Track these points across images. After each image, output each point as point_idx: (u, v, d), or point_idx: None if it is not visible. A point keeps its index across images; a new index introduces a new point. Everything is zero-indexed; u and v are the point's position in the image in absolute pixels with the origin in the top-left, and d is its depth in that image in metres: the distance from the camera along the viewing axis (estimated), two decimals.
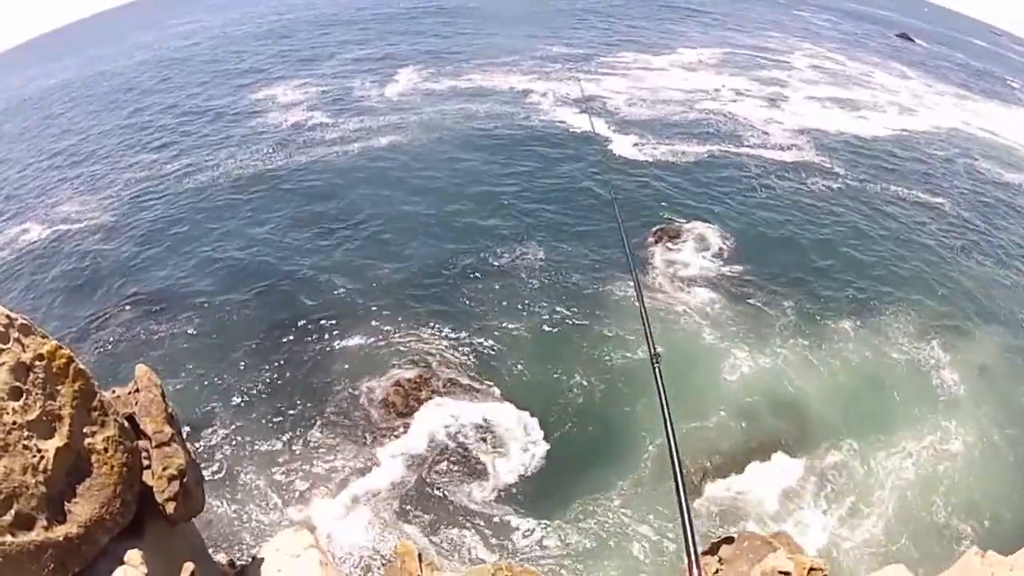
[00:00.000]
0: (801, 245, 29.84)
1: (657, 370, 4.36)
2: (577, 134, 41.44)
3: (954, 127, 48.12)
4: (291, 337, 24.15)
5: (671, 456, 3.80)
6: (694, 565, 3.33)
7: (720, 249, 28.91)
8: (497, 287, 26.50)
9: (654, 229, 29.89)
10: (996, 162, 42.53)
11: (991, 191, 37.84)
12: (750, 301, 25.84)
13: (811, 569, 8.27)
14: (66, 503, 6.91)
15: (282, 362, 23.13)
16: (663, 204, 32.71)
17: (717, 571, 9.94)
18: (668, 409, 4.07)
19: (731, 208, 32.35)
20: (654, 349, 4.72)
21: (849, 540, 17.93)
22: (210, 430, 20.74)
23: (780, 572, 7.80)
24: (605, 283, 26.36)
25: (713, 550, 10.72)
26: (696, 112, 46.73)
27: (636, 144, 40.04)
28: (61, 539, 6.65)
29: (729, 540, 10.52)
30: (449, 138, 40.41)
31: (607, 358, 22.98)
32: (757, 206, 33.02)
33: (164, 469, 8.03)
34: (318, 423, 20.97)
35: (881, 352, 24.04)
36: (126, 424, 7.89)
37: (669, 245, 28.83)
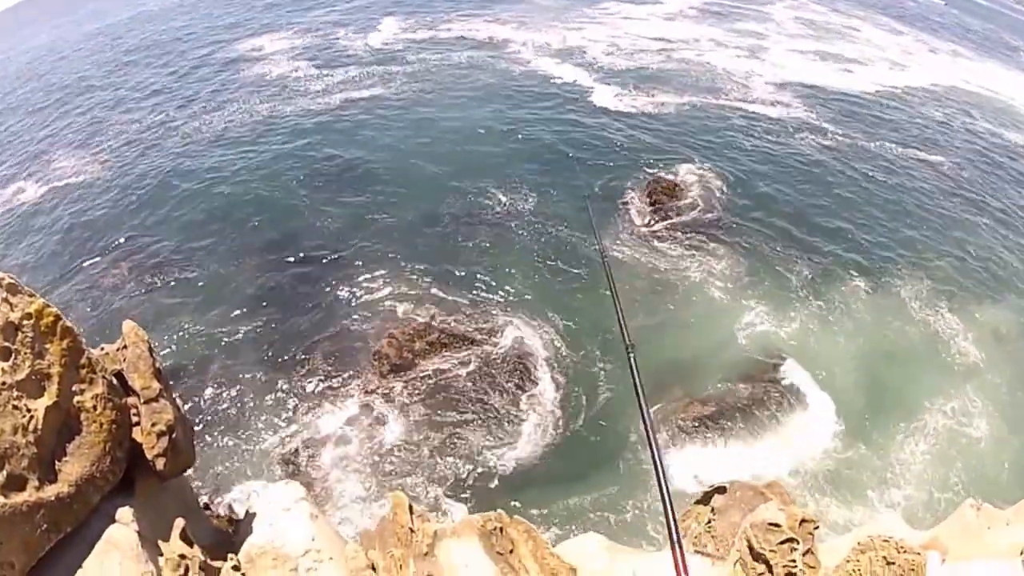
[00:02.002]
0: (799, 201, 29.78)
1: (633, 360, 4.33)
2: (558, 84, 41.00)
3: (952, 85, 47.13)
4: (281, 289, 24.07)
5: (649, 443, 3.75)
6: (677, 546, 3.30)
7: (713, 204, 28.77)
8: (486, 236, 26.46)
9: (647, 182, 29.67)
10: (998, 123, 41.84)
11: (993, 153, 37.31)
12: (752, 257, 25.88)
13: (803, 521, 8.31)
14: (57, 462, 6.85)
15: (273, 314, 23.08)
16: (647, 156, 32.49)
17: (710, 521, 10.06)
18: (644, 396, 4.03)
19: (719, 162, 32.20)
20: (628, 340, 4.69)
21: (863, 503, 18.24)
22: (201, 383, 20.74)
23: (770, 524, 7.86)
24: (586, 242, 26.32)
25: (706, 499, 10.82)
26: (676, 63, 46.24)
27: (618, 95, 39.67)
28: (53, 499, 6.60)
29: (722, 490, 10.59)
30: (432, 88, 39.92)
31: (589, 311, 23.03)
32: (748, 159, 32.86)
33: (153, 425, 7.98)
34: (310, 376, 21.00)
35: (892, 315, 24.19)
36: (114, 381, 7.81)
37: (662, 198, 28.64)
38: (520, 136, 33.83)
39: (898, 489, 18.71)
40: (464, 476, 18.12)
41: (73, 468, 7.00)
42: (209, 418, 19.68)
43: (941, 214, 29.85)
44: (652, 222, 27.33)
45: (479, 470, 18.22)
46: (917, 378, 21.85)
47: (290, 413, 19.94)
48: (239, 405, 20.16)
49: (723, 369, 21.53)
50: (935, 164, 34.39)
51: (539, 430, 19.34)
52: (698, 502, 11.08)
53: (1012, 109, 44.38)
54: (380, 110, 36.87)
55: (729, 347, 22.31)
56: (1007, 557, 8.35)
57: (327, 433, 19.33)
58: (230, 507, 15.69)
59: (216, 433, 19.22)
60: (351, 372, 21.09)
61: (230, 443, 19.01)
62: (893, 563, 7.90)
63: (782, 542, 7.75)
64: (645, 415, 3.90)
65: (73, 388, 7.16)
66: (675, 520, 3.29)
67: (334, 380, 20.92)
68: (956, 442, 20.11)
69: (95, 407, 7.34)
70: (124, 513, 7.53)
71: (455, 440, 19.07)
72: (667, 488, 3.39)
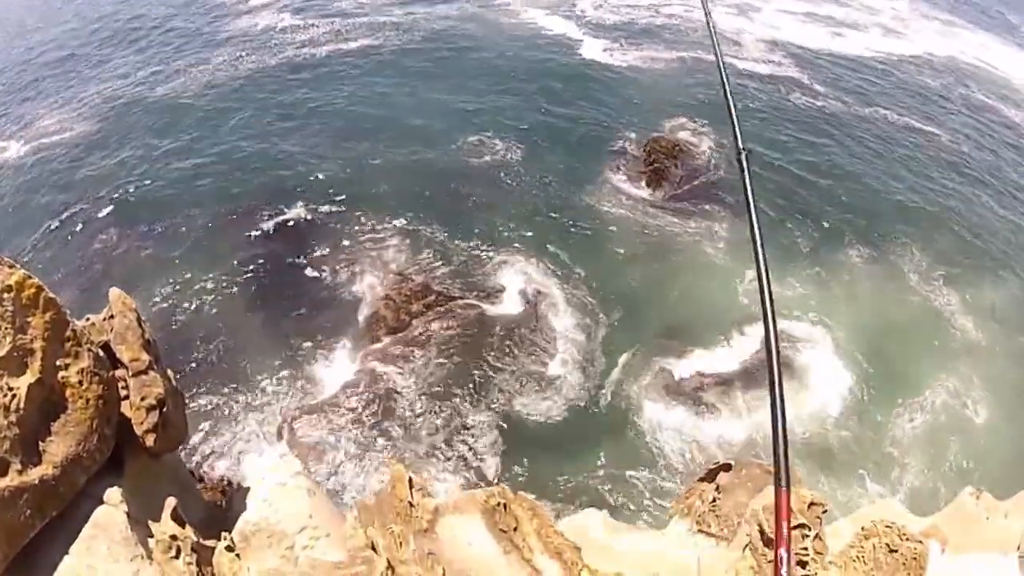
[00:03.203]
0: (794, 164, 29.35)
1: (745, 160, 4.01)
2: (548, 36, 40.13)
3: (949, 55, 45.84)
4: (272, 247, 23.60)
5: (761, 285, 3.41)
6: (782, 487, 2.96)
7: (708, 164, 28.28)
8: (478, 189, 26.05)
9: (647, 140, 29.09)
10: (997, 99, 40.72)
11: (993, 129, 36.40)
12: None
13: (811, 504, 8.10)
14: (40, 443, 6.42)
15: (263, 273, 22.64)
16: (636, 111, 31.93)
17: (715, 500, 9.81)
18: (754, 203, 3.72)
19: (711, 120, 31.58)
20: (742, 143, 4.35)
21: (858, 482, 18.18)
22: (190, 346, 20.31)
23: None
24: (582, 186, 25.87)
25: (711, 476, 10.58)
26: (665, 18, 45.19)
27: (607, 49, 38.87)
28: (37, 482, 6.19)
29: (727, 467, 10.35)
30: (420, 40, 38.95)
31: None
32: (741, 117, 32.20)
33: (142, 399, 7.55)
34: (304, 337, 20.65)
35: (890, 284, 24.03)
36: (101, 353, 7.36)
37: (660, 157, 28.08)
38: (509, 87, 33.13)
39: (893, 464, 18.73)
40: (459, 442, 17.92)
41: (58, 448, 6.58)
42: (199, 381, 19.29)
43: (939, 186, 29.43)
44: (650, 183, 26.86)
45: (475, 437, 18.01)
46: (915, 351, 21.85)
47: (284, 376, 19.64)
48: (231, 368, 19.82)
49: (721, 327, 21.40)
50: (932, 135, 33.80)
51: (538, 398, 19.12)
52: (702, 479, 10.84)
53: (1011, 86, 43.16)
54: (367, 63, 36.02)
55: (730, 306, 22.13)
56: (1005, 550, 8.32)
57: (321, 398, 19.04)
58: (225, 479, 15.38)
59: (207, 396, 18.85)
60: (347, 335, 20.80)
61: (222, 406, 18.68)
62: (896, 551, 7.79)
63: (794, 527, 7.49)
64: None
65: (57, 363, 6.71)
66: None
67: (330, 343, 20.62)
68: (953, 419, 20.10)
69: (81, 382, 6.90)
70: (113, 494, 7.14)
71: (452, 405, 18.83)
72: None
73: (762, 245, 3.59)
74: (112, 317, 7.72)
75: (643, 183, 26.81)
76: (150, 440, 7.45)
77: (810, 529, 7.62)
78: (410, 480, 9.34)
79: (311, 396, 19.37)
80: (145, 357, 7.60)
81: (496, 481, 16.62)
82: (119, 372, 7.65)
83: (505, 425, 18.39)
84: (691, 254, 23.87)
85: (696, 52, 39.56)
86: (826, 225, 25.98)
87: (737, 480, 9.87)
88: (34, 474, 6.24)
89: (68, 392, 6.80)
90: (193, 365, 19.90)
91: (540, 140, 29.20)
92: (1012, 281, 24.69)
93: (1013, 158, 33.27)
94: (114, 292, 7.77)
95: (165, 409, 7.62)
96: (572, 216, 24.87)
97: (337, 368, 20.14)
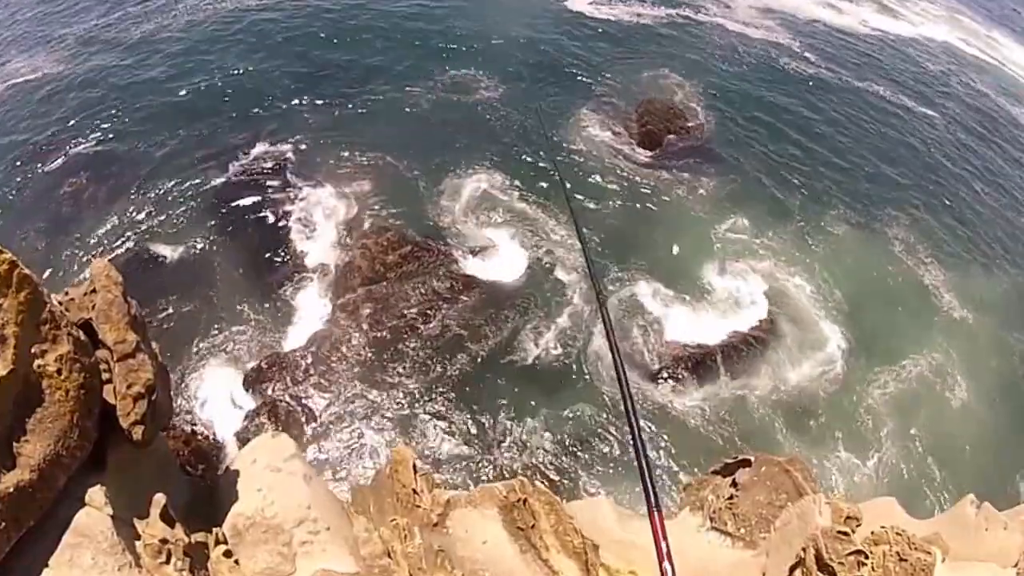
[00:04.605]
0: (779, 127, 28.78)
1: (604, 310, 3.81)
2: None
3: (947, 42, 44.33)
4: (244, 190, 22.53)
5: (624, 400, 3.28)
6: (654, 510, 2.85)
7: (696, 124, 27.46)
8: (456, 142, 25.14)
9: (639, 102, 28.14)
10: (999, 92, 39.43)
11: (993, 121, 35.36)
12: (740, 181, 24.93)
13: (847, 518, 7.75)
14: (15, 443, 5.59)
15: (235, 217, 21.62)
16: (620, 67, 30.96)
17: (731, 497, 9.32)
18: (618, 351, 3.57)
19: (699, 82, 30.69)
20: (600, 288, 4.13)
21: (831, 448, 18.08)
22: (161, 292, 19.31)
23: (840, 532, 7.18)
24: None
25: (728, 471, 10.09)
26: None
27: (593, 2, 37.40)
28: (12, 490, 5.39)
29: (746, 463, 9.85)
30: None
31: None
32: (729, 81, 31.37)
33: (129, 387, 6.68)
34: (276, 287, 19.79)
35: (876, 256, 23.80)
36: (82, 336, 6.46)
37: (650, 119, 27.20)
38: (493, 40, 31.75)
39: (867, 433, 18.75)
40: (439, 402, 17.35)
41: (35, 448, 5.74)
42: (170, 328, 18.36)
43: (932, 168, 28.91)
44: (642, 143, 26.11)
45: (455, 396, 17.46)
46: (897, 322, 21.69)
47: (252, 321, 18.85)
48: (197, 310, 18.94)
49: (701, 281, 21.12)
50: (928, 117, 32.91)
51: (520, 352, 18.59)
52: (716, 471, 10.34)
53: (1017, 82, 41.94)
54: (340, 9, 34.09)
55: (711, 259, 21.81)
56: (1004, 563, 8.51)
57: (292, 348, 18.26)
58: (192, 431, 14.64)
59: (171, 339, 17.91)
60: (320, 282, 19.94)
61: (187, 348, 17.82)
62: (905, 560, 7.70)
63: (850, 553, 7.05)
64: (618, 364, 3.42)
65: (33, 350, 5.82)
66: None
67: (301, 289, 19.75)
68: (930, 393, 20.15)
69: (59, 371, 6.03)
70: (95, 494, 6.36)
71: (432, 363, 18.21)
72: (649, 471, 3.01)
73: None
74: (94, 291, 6.80)
75: (635, 144, 26.04)
76: (138, 433, 6.61)
77: (867, 557, 7.20)
78: (414, 465, 8.67)
79: (280, 345, 18.60)
80: (132, 338, 6.72)
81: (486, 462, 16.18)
82: (102, 352, 6.77)
83: (486, 379, 17.88)
84: (687, 219, 23.38)
85: (683, 10, 38.25)
86: (815, 188, 25.62)
87: (756, 478, 9.39)
88: (8, 480, 5.44)
89: (45, 383, 5.94)
90: (159, 306, 18.91)
91: (520, 82, 28.19)
92: (995, 266, 24.66)
93: (1012, 153, 32.58)
94: (97, 265, 6.83)
95: (154, 396, 6.76)
96: (551, 162, 24.11)
97: (308, 317, 19.34)
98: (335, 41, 30.60)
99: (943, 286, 23.00)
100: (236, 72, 27.97)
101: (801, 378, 19.71)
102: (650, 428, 17.25)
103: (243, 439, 15.86)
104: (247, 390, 17.18)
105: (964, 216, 26.41)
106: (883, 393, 19.87)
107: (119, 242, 20.52)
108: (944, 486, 17.39)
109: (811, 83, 32.90)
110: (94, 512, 6.23)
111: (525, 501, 8.04)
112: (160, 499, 6.79)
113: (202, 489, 8.86)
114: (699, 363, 19.15)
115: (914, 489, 17.29)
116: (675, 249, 21.88)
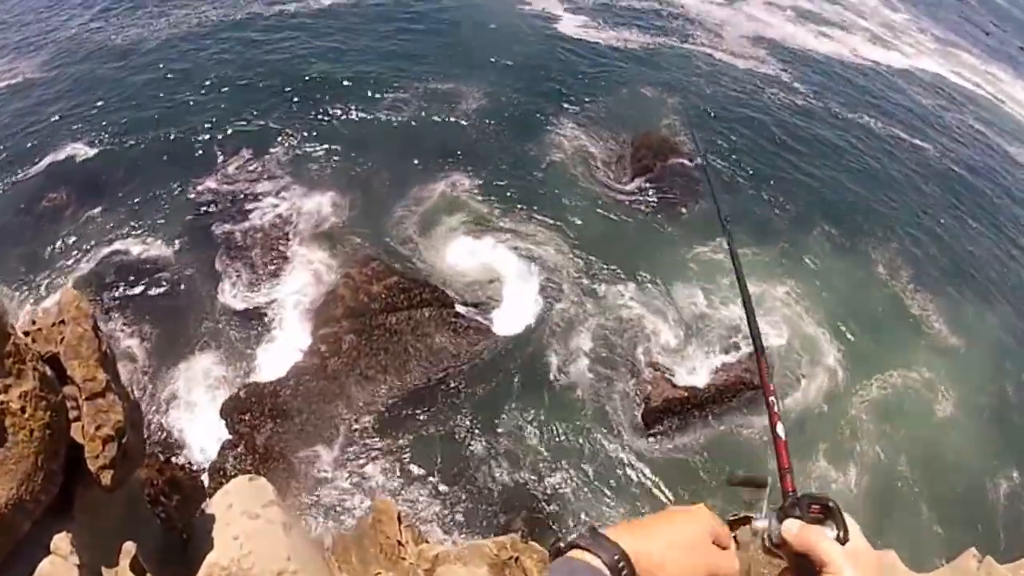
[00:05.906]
0: (767, 154, 28.62)
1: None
2: (524, 11, 38.35)
3: (939, 75, 44.06)
4: (227, 206, 22.17)
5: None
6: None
7: (687, 152, 27.27)
8: (445, 163, 24.90)
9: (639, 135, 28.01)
10: (997, 131, 38.51)
11: (988, 159, 34.80)
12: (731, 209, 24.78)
13: None
14: None
15: (215, 234, 21.18)
16: (615, 85, 30.98)
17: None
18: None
19: (691, 103, 30.81)
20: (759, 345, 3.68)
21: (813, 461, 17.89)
22: (138, 312, 18.78)
23: None
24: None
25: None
26: (646, 1, 43.56)
27: (583, 26, 37.48)
28: None
29: (747, 520, 9.42)
30: (387, 8, 36.72)
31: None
32: (714, 108, 31.38)
33: (98, 428, 6.26)
34: (255, 313, 19.28)
35: (860, 282, 23.62)
36: (48, 371, 6.03)
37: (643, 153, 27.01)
38: (483, 58, 31.65)
39: (847, 449, 18.58)
40: (422, 440, 16.87)
41: None
42: (145, 352, 17.85)
43: (922, 201, 28.57)
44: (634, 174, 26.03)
45: (440, 431, 17.00)
46: (882, 339, 21.66)
47: (228, 347, 18.31)
48: (171, 332, 18.42)
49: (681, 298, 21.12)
50: (920, 149, 32.61)
51: (515, 402, 18.14)
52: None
53: (1014, 119, 41.53)
54: (339, 23, 33.92)
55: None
56: None
57: (270, 379, 17.70)
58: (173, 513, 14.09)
59: (155, 369, 17.42)
60: (300, 311, 19.41)
61: (158, 370, 17.31)
62: None
63: None
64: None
65: None
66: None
67: (281, 316, 19.25)
68: (914, 410, 20.06)
69: (23, 409, 5.60)
70: (61, 541, 5.91)
71: (417, 399, 17.74)
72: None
73: None
74: (63, 323, 6.37)
75: (625, 177, 25.94)
76: (106, 478, 6.17)
77: None
78: (399, 516, 8.22)
79: (258, 374, 18.06)
80: (102, 376, 6.30)
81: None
82: (68, 389, 6.34)
83: (477, 422, 17.38)
84: (671, 243, 23.29)
85: (672, 39, 38.26)
86: (802, 221, 25.40)
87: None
88: None
89: (8, 422, 5.51)
90: (133, 329, 18.37)
91: (505, 113, 28.05)
92: (984, 294, 24.58)
93: (1008, 189, 32.42)
94: (68, 294, 6.42)
95: (124, 439, 6.32)
96: (515, 191, 24.01)
97: (289, 347, 18.75)
98: (321, 56, 30.34)
99: (930, 310, 22.95)
100: (216, 85, 27.57)
101: (787, 390, 19.48)
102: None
103: (219, 468, 15.31)
104: (224, 419, 16.59)
105: (954, 245, 26.32)
106: (864, 408, 19.73)
107: (90, 261, 19.92)
108: (947, 543, 16.82)
109: (801, 112, 32.84)
110: (59, 561, 5.78)
111: (517, 559, 7.60)
112: (130, 548, 6.34)
113: (174, 535, 8.38)
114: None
115: (914, 541, 16.81)
116: None
